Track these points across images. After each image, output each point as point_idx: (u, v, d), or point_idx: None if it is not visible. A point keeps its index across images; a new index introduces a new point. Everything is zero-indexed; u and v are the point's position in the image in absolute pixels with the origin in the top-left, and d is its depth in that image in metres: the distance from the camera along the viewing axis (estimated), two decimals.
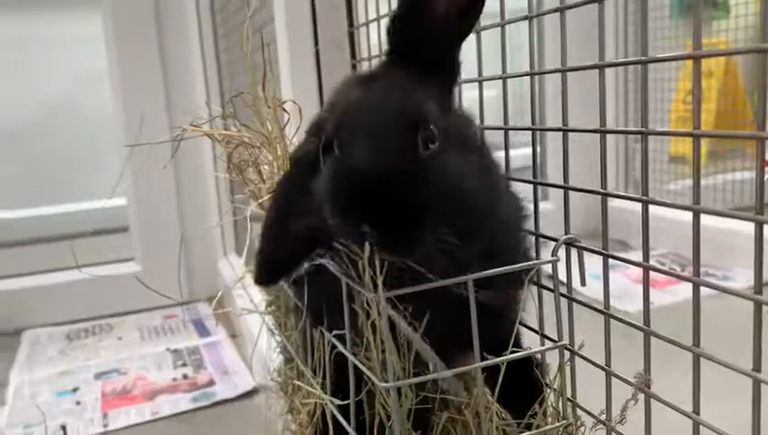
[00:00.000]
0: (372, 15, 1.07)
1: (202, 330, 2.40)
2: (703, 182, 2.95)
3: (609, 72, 0.63)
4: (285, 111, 0.82)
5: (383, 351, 0.61)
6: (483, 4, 0.67)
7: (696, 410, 0.57)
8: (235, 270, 2.43)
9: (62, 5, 3.16)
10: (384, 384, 0.61)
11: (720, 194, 2.82)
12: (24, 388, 1.98)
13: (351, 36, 1.18)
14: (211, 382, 1.94)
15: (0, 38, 3.05)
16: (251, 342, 1.94)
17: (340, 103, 0.66)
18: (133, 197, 2.61)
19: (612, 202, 0.70)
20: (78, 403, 1.86)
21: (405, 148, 0.59)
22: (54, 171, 3.25)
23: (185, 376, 1.99)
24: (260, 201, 0.90)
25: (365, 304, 0.62)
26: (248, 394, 1.86)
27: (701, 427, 0.56)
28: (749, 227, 0.48)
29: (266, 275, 0.70)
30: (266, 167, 0.89)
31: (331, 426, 0.77)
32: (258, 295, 1.93)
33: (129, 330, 2.45)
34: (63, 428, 1.68)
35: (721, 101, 3.24)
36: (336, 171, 0.61)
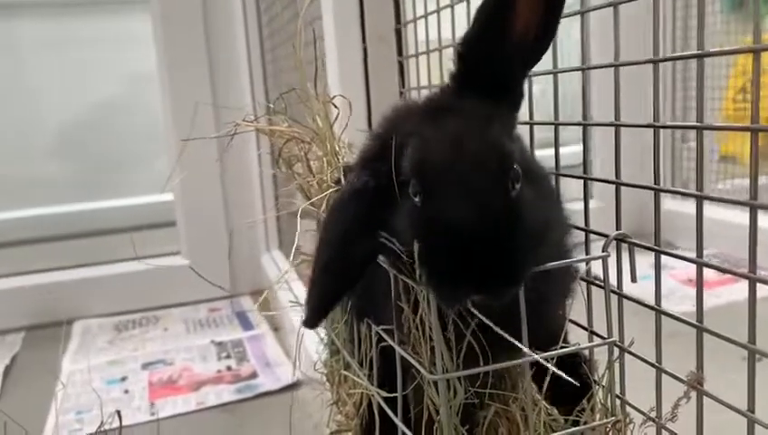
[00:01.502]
0: (420, 12, 1.08)
1: (245, 323, 2.44)
2: (761, 181, 2.87)
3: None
4: (335, 106, 0.83)
5: (431, 343, 0.62)
6: (558, 24, 0.64)
7: (752, 409, 0.56)
8: (279, 265, 2.47)
9: (113, 7, 3.25)
10: (432, 377, 0.62)
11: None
12: (77, 375, 2.05)
13: (398, 33, 1.19)
14: (254, 374, 1.98)
15: (53, 39, 3.16)
16: (293, 335, 1.97)
17: (410, 134, 0.62)
18: (180, 192, 2.67)
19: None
20: (126, 392, 1.92)
21: (497, 195, 0.57)
22: (105, 168, 3.35)
23: (228, 368, 2.03)
24: (310, 200, 0.92)
25: (414, 298, 0.63)
26: (290, 387, 1.89)
27: (756, 426, 0.56)
28: None
29: (318, 316, 0.68)
30: (315, 162, 0.90)
31: (377, 417, 0.78)
32: (301, 290, 1.96)
33: (174, 322, 2.51)
34: (119, 413, 1.73)
35: None
36: (427, 224, 0.58)
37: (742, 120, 3.13)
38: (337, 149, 0.86)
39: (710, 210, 0.60)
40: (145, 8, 2.69)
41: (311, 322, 0.67)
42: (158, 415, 1.77)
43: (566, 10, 0.78)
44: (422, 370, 0.64)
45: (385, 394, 0.74)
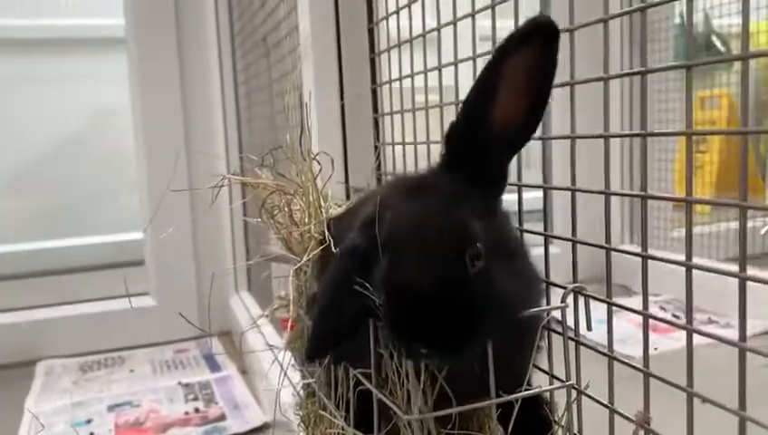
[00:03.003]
0: (395, 71, 1.17)
1: (213, 365, 2.45)
2: (707, 229, 3.03)
3: (613, 139, 0.70)
4: (318, 162, 0.90)
5: (407, 386, 0.67)
6: (539, 120, 0.71)
7: None
8: (248, 307, 2.49)
9: (85, 45, 3.30)
10: (408, 417, 0.67)
11: (723, 242, 2.89)
12: (40, 418, 2.02)
13: (374, 92, 1.28)
14: (222, 417, 1.99)
15: (16, 75, 3.17)
16: (262, 377, 1.99)
17: (391, 208, 0.69)
18: (150, 232, 2.69)
19: (614, 253, 0.77)
20: (92, 434, 1.90)
21: (453, 267, 0.63)
22: (69, 205, 3.35)
23: (196, 410, 2.04)
24: (290, 248, 0.98)
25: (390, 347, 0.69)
26: (259, 429, 1.91)
27: None
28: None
29: (317, 351, 0.75)
30: (298, 213, 0.97)
31: None
32: (271, 334, 1.99)
33: (140, 363, 2.50)
34: None
35: (724, 150, 3.34)
36: (387, 283, 0.65)
37: (696, 169, 3.31)
38: (320, 202, 0.92)
39: (665, 255, 0.66)
40: (113, 46, 2.74)
41: (311, 354, 0.75)
42: None
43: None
44: (398, 411, 0.69)
45: (361, 434, 0.79)
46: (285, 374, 1.56)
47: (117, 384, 2.29)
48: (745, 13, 0.49)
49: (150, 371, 2.42)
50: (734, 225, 2.98)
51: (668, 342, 2.14)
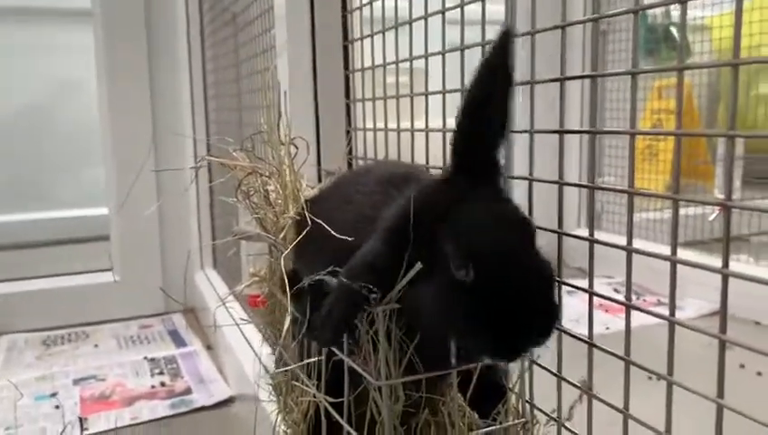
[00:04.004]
0: (368, 61, 1.22)
1: (178, 340, 2.48)
2: (660, 216, 3.17)
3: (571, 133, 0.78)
4: (296, 146, 0.95)
5: (376, 351, 0.74)
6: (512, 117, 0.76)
7: (626, 407, 0.72)
8: (214, 284, 2.53)
9: (51, 16, 3.24)
10: (377, 382, 0.74)
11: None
12: (3, 392, 2.03)
13: (347, 78, 1.33)
14: (188, 390, 2.03)
15: None
16: (227, 353, 2.04)
17: (443, 220, 0.69)
18: (115, 207, 2.69)
19: (569, 236, 0.85)
20: (57, 407, 1.93)
21: (548, 272, 0.68)
22: (31, 178, 3.30)
23: (162, 384, 2.08)
24: (265, 228, 1.03)
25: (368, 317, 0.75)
26: (224, 402, 1.96)
27: (629, 421, 0.71)
28: (700, 261, 0.62)
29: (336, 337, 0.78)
30: (273, 194, 1.02)
31: (324, 423, 0.90)
32: (239, 311, 2.04)
33: (105, 338, 2.52)
34: (81, 419, 1.77)
35: (676, 142, 3.47)
36: (482, 297, 0.65)
37: (648, 156, 3.45)
38: (297, 184, 0.98)
39: (620, 240, 0.73)
40: (79, 18, 2.71)
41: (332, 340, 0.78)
42: (89, 430, 1.80)
43: None
44: (368, 377, 0.76)
45: (332, 400, 0.86)
46: (253, 348, 1.61)
47: (82, 359, 2.31)
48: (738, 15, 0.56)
49: (115, 346, 2.44)
50: (686, 211, 3.13)
51: (619, 322, 2.24)
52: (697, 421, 0.74)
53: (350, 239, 0.79)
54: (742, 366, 1.81)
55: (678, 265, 0.64)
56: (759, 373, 1.85)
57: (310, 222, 0.87)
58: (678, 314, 0.64)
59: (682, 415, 0.68)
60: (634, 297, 2.49)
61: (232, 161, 0.99)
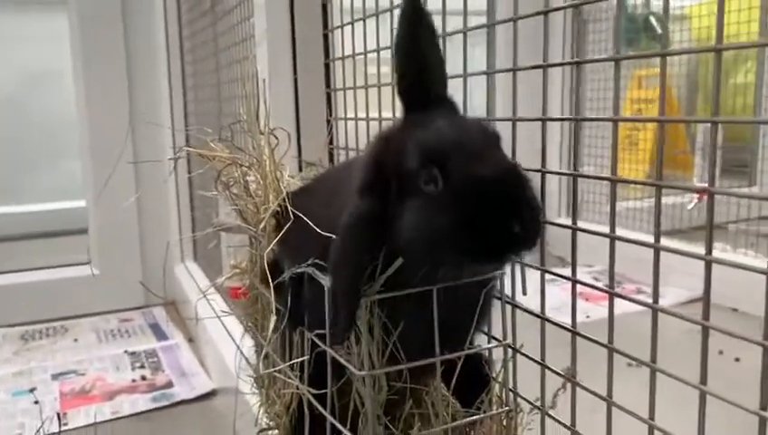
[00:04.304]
0: (348, 49, 1.21)
1: (159, 333, 2.46)
2: (640, 205, 3.20)
3: (553, 122, 0.78)
4: (276, 136, 0.94)
5: (358, 341, 0.73)
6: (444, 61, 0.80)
7: (610, 395, 0.72)
8: (194, 277, 2.50)
9: (25, 5, 3.17)
10: (360, 373, 0.74)
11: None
12: None
13: (327, 67, 1.31)
14: (170, 384, 2.01)
15: None
16: (209, 345, 2.02)
17: (406, 143, 0.69)
18: (93, 200, 2.65)
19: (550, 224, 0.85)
20: (36, 403, 1.90)
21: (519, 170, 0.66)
22: (8, 171, 3.24)
23: (143, 377, 2.06)
24: (245, 220, 1.02)
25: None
26: (206, 396, 1.94)
27: (612, 408, 0.71)
28: (680, 248, 0.62)
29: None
30: (253, 185, 1.00)
31: (307, 414, 0.89)
32: (218, 301, 2.02)
33: (84, 332, 2.49)
34: (59, 415, 1.75)
35: (659, 129, 3.50)
36: (463, 195, 0.63)
37: (628, 145, 3.47)
38: (277, 174, 0.96)
39: (599, 229, 0.73)
40: (54, 6, 2.66)
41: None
42: (69, 425, 1.77)
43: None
44: (351, 368, 0.75)
45: (315, 392, 0.85)
46: (235, 340, 1.60)
47: (61, 353, 2.28)
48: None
49: (95, 340, 2.41)
50: (665, 200, 3.16)
51: (600, 310, 2.27)
52: (677, 406, 0.75)
53: (332, 235, 0.78)
54: (720, 352, 1.83)
55: (654, 254, 0.64)
56: (737, 359, 1.87)
57: (292, 215, 0.86)
58: (658, 302, 0.64)
59: (661, 400, 0.68)
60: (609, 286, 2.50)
61: (211, 152, 0.97)
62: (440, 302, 0.72)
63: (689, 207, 3.16)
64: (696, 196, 3.12)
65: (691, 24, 3.54)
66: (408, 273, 0.68)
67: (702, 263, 0.57)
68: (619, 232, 0.69)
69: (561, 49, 3.13)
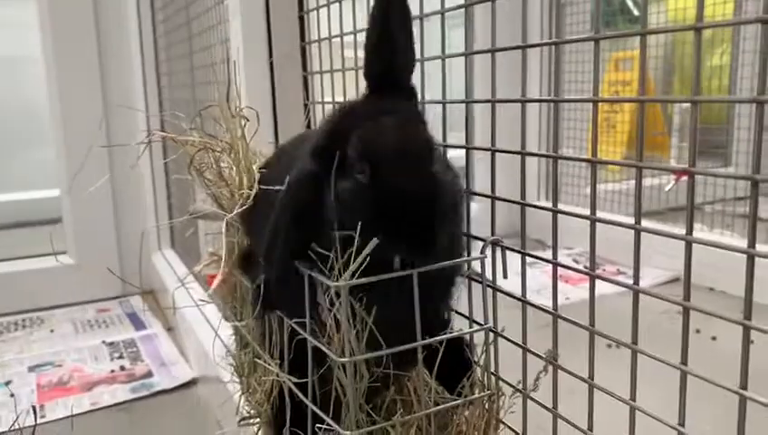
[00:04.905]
0: (324, 33, 1.18)
1: (137, 323, 2.43)
2: (617, 187, 3.22)
3: (532, 105, 0.77)
4: (246, 118, 0.92)
5: (338, 329, 0.72)
6: (413, 46, 0.82)
7: (591, 377, 0.72)
8: (172, 265, 2.47)
9: None
10: (341, 359, 0.73)
11: (633, 198, 3.07)
12: None
13: (303, 50, 1.29)
14: (149, 374, 1.99)
15: None
16: (188, 334, 2.00)
17: (354, 129, 0.75)
18: (67, 188, 2.60)
19: (530, 209, 0.84)
20: (12, 395, 1.87)
21: (435, 172, 0.72)
22: None
23: (122, 368, 2.03)
24: (221, 205, 1.00)
25: (327, 294, 0.74)
26: (186, 385, 1.93)
27: (594, 390, 0.71)
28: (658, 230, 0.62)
29: (285, 276, 0.78)
30: (227, 170, 0.98)
31: (288, 402, 0.88)
32: (197, 290, 2.00)
33: (61, 323, 2.45)
34: (34, 408, 1.72)
35: (636, 111, 3.52)
36: (377, 194, 0.70)
37: (606, 128, 3.49)
38: (249, 157, 0.94)
39: (579, 211, 0.73)
40: None
41: (271, 306, 0.80)
42: (47, 417, 1.75)
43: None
44: (332, 355, 0.74)
45: (296, 380, 0.84)
46: (214, 328, 1.58)
47: (37, 345, 2.24)
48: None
49: (72, 330, 2.38)
50: (643, 182, 3.17)
51: (579, 292, 2.29)
52: (655, 386, 0.75)
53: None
54: (697, 331, 1.85)
55: (633, 235, 0.63)
56: (714, 338, 1.90)
57: (251, 199, 0.85)
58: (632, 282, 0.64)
59: (640, 381, 0.68)
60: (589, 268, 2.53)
61: (181, 137, 0.95)
62: (407, 286, 0.72)
63: (666, 188, 3.18)
64: (673, 177, 3.14)
65: (667, 5, 3.55)
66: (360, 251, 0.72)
67: (679, 244, 0.57)
68: (598, 214, 0.69)
69: (540, 32, 3.12)
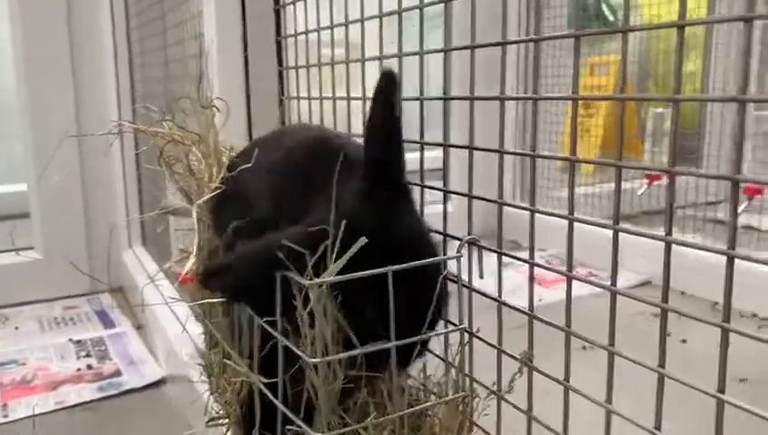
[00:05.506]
0: (300, 28, 1.17)
1: (106, 321, 2.38)
2: (590, 190, 3.25)
3: (509, 103, 0.76)
4: (218, 108, 0.89)
5: (311, 326, 0.71)
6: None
7: (567, 378, 0.71)
8: (143, 262, 2.43)
9: None
10: (313, 360, 0.71)
11: (605, 201, 3.11)
12: None
13: (279, 44, 1.27)
14: (117, 372, 1.95)
15: None
16: (158, 332, 1.96)
17: (353, 223, 0.73)
18: (35, 183, 2.54)
19: (508, 208, 0.83)
20: None
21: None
22: None
23: (89, 366, 1.98)
24: (190, 199, 0.97)
25: (301, 292, 0.72)
26: (156, 384, 1.89)
27: (570, 392, 0.70)
28: (630, 234, 0.61)
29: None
30: (196, 163, 0.96)
31: (257, 403, 0.86)
32: (167, 287, 1.96)
33: (26, 320, 2.38)
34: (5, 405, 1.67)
35: (610, 114, 3.57)
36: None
37: (579, 132, 3.51)
38: (219, 150, 0.92)
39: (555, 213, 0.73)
40: None
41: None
42: (9, 417, 1.70)
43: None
44: (303, 355, 0.72)
45: (266, 380, 0.82)
46: (185, 327, 1.55)
47: (1, 343, 2.18)
48: None
49: (38, 328, 2.32)
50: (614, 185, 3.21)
51: (553, 293, 2.30)
52: (630, 389, 0.74)
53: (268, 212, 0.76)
54: (668, 334, 1.87)
55: (605, 237, 0.63)
56: (684, 341, 1.92)
57: (218, 201, 0.83)
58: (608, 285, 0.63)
59: (614, 383, 0.68)
60: (563, 268, 2.54)
61: (149, 128, 0.92)
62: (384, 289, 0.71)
63: (639, 192, 3.21)
64: (646, 181, 3.17)
65: (641, 12, 3.59)
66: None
67: (651, 247, 0.56)
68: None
69: (517, 33, 3.13)
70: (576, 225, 0.69)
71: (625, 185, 3.22)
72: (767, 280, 1.94)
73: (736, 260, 0.48)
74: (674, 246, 0.56)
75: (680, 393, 0.61)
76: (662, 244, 0.55)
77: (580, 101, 0.65)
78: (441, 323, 0.86)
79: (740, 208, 3.16)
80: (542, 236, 0.86)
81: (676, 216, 3.11)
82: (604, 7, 3.97)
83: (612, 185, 0.59)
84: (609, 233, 0.61)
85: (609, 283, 0.64)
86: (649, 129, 3.85)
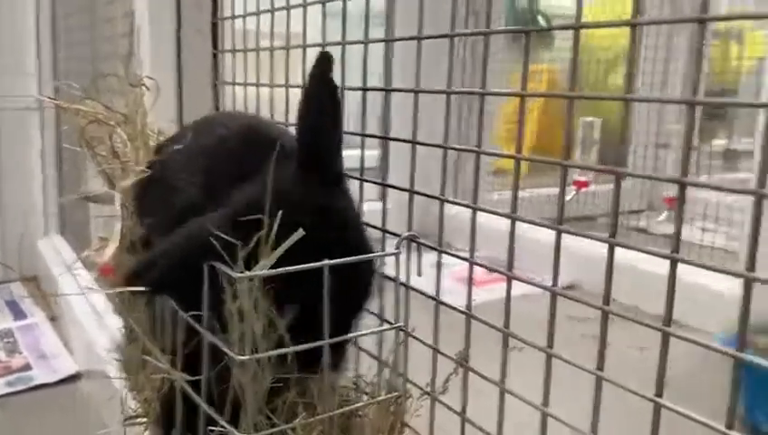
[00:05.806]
0: (239, 10, 1.12)
1: (17, 312, 2.24)
2: (521, 194, 3.30)
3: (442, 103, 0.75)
4: (147, 87, 0.84)
5: (241, 321, 0.67)
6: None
7: (503, 380, 0.70)
8: (60, 251, 2.30)
9: None
10: (241, 357, 0.67)
11: (537, 205, 3.17)
12: None
13: (215, 27, 1.21)
14: (27, 366, 1.83)
15: None
16: (74, 324, 1.86)
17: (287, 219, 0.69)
18: None
19: (438, 208, 0.82)
20: None
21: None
22: None
23: None
24: (113, 184, 0.91)
25: (230, 285, 0.67)
26: (69, 379, 1.79)
27: (505, 394, 0.70)
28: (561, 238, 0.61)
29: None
30: (120, 145, 0.90)
31: (179, 401, 0.81)
32: (85, 277, 1.86)
33: None
34: None
35: (543, 121, 3.65)
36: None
37: (511, 141, 3.58)
38: (146, 132, 0.87)
39: (484, 217, 0.72)
40: None
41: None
42: None
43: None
44: (230, 353, 0.68)
45: (189, 378, 0.77)
46: (103, 319, 1.47)
47: None
48: None
49: None
50: (545, 191, 3.28)
51: (484, 294, 2.31)
52: (564, 391, 0.74)
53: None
54: (594, 337, 1.92)
55: (534, 241, 0.62)
56: (608, 343, 1.97)
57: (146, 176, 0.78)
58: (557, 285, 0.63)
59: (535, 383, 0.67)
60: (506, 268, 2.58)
61: (69, 105, 0.85)
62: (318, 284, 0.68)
63: (567, 198, 3.30)
64: (574, 187, 3.25)
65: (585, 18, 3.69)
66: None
67: (575, 252, 0.56)
68: (499, 221, 0.68)
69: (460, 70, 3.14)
70: (503, 227, 0.69)
71: (551, 191, 3.29)
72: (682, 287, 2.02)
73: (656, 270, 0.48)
74: (596, 252, 0.56)
75: (614, 397, 0.61)
76: (587, 249, 0.55)
77: (512, 106, 0.64)
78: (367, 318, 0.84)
79: (661, 217, 3.30)
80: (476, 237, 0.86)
81: (597, 223, 3.21)
82: (539, 18, 4.07)
83: (542, 190, 0.59)
84: (539, 236, 0.61)
85: (545, 284, 0.63)
86: (579, 137, 3.96)
